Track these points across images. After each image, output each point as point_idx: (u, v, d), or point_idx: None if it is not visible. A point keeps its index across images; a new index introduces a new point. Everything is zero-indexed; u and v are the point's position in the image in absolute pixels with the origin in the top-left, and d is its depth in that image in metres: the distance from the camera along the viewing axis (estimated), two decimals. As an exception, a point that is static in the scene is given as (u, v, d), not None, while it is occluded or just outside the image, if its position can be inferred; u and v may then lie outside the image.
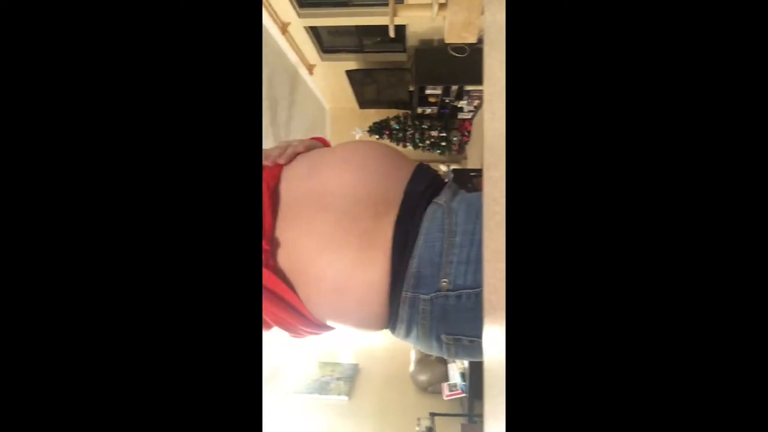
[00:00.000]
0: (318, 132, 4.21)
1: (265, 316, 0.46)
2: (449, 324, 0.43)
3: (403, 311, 0.44)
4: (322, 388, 2.85)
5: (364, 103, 3.85)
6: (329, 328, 0.50)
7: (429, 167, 0.51)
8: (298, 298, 0.45)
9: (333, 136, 4.55)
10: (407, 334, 0.46)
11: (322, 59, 3.27)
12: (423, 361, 2.96)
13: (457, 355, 0.45)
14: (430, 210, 0.45)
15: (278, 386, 2.88)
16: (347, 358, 3.38)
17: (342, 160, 0.48)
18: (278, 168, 0.50)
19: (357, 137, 4.04)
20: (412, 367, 2.97)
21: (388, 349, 3.39)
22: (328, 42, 3.15)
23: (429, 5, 2.24)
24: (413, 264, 0.43)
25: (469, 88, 3.15)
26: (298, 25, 2.79)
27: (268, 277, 0.44)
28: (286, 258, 0.45)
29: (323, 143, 0.59)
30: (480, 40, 2.43)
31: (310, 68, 3.43)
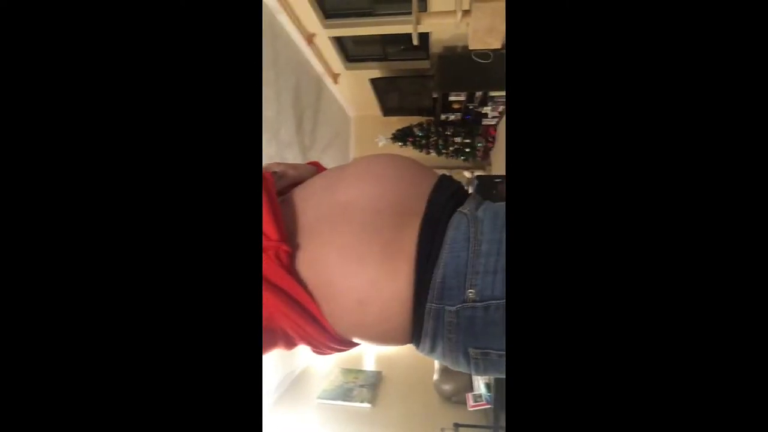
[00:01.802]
0: (342, 140, 4.26)
1: (289, 330, 0.45)
2: (477, 337, 0.41)
3: (428, 324, 0.42)
4: (346, 395, 2.85)
5: (387, 110, 3.87)
6: (352, 344, 0.49)
7: (452, 177, 0.51)
8: (320, 310, 0.45)
9: (357, 143, 4.59)
10: (432, 348, 0.44)
11: (347, 68, 3.32)
12: (447, 370, 2.91)
13: (486, 371, 0.43)
14: (455, 219, 0.44)
15: (301, 392, 2.90)
16: (370, 366, 3.37)
17: (362, 173, 0.48)
18: (295, 183, 0.51)
19: (380, 144, 4.06)
20: (435, 376, 2.93)
21: (411, 357, 3.36)
22: (352, 51, 3.20)
23: (452, 12, 2.24)
24: (438, 274, 0.42)
25: (493, 94, 3.11)
26: (324, 36, 2.85)
27: (290, 284, 0.44)
28: (307, 269, 0.44)
29: (318, 168, 0.60)
30: (504, 46, 2.40)
31: (335, 77, 3.48)
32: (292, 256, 0.44)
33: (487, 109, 3.36)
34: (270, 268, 0.43)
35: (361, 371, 3.24)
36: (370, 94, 3.67)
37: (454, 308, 0.41)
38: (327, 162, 3.73)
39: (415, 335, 0.44)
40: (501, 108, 3.34)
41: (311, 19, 2.64)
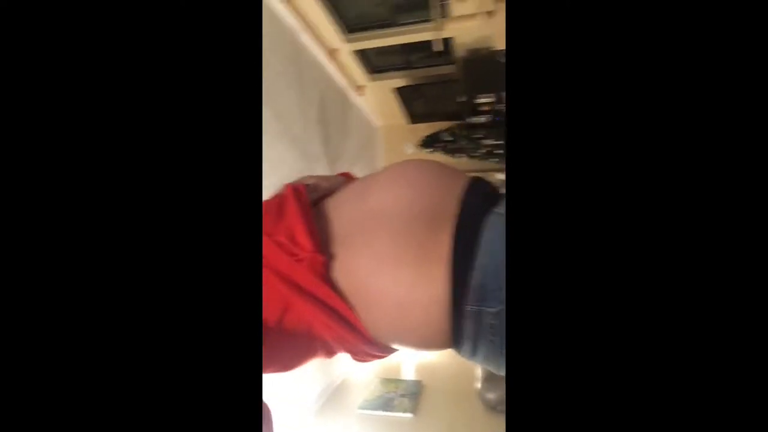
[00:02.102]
0: (370, 150, 4.30)
1: (328, 338, 0.46)
2: None
3: (468, 327, 0.42)
4: (386, 405, 2.83)
5: (414, 117, 3.88)
6: (392, 350, 0.49)
7: (483, 179, 0.50)
8: (357, 317, 0.45)
9: (386, 153, 4.61)
10: (474, 352, 0.44)
11: (371, 79, 3.36)
12: (491, 378, 2.83)
13: None
14: (491, 220, 0.43)
15: (342, 403, 2.91)
16: (410, 375, 3.34)
17: (392, 179, 0.49)
18: (326, 194, 0.52)
19: (409, 152, 4.06)
20: (479, 385, 2.86)
21: (452, 366, 3.30)
22: (375, 62, 3.24)
23: (474, 15, 2.22)
24: (476, 276, 0.41)
25: (521, 92, 3.05)
26: (346, 50, 2.90)
27: (326, 293, 0.44)
28: (344, 277, 0.45)
29: (348, 178, 0.60)
30: (530, 43, 2.36)
31: (360, 89, 3.53)
32: (326, 265, 0.45)
33: (515, 109, 3.29)
34: (306, 277, 0.44)
35: (401, 381, 3.22)
36: (396, 103, 3.69)
37: (494, 310, 0.41)
38: (356, 173, 3.75)
39: (455, 339, 0.44)
40: (530, 106, 3.26)
41: (330, 33, 2.70)
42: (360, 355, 0.49)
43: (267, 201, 0.55)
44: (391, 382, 3.22)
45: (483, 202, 0.45)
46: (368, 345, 0.46)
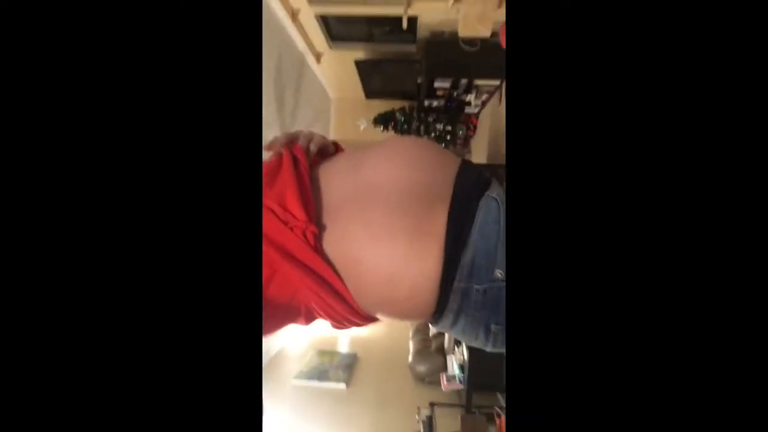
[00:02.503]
0: (323, 121, 4.19)
1: (314, 304, 0.46)
2: (500, 314, 0.44)
3: (454, 301, 0.44)
4: (321, 376, 2.88)
5: (370, 93, 3.83)
6: (374, 319, 0.50)
7: (472, 163, 0.52)
8: (345, 287, 0.45)
9: (337, 125, 4.52)
10: (453, 323, 0.46)
11: (331, 48, 3.25)
12: (422, 351, 2.99)
13: (503, 344, 0.45)
14: (484, 202, 0.45)
15: (277, 373, 2.91)
16: (345, 348, 3.42)
17: (387, 155, 0.49)
18: (315, 161, 0.51)
19: (362, 128, 4.02)
20: (410, 358, 3.01)
21: (386, 339, 3.43)
22: (336, 30, 3.12)
23: (444, -3, 2.23)
24: (467, 254, 0.43)
25: (478, 82, 3.13)
26: (308, 12, 2.76)
27: (317, 263, 0.44)
28: (334, 247, 0.45)
29: (339, 147, 0.60)
30: (494, 34, 2.42)
31: (318, 56, 3.40)
32: (318, 235, 0.44)
33: (470, 98, 3.38)
34: (297, 246, 0.44)
35: (336, 353, 3.28)
36: (352, 76, 3.61)
37: (482, 287, 0.43)
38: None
39: (437, 311, 0.46)
40: (484, 97, 3.38)
41: (297, -7, 2.56)
42: (342, 323, 0.50)
43: (267, 162, 0.52)
44: (326, 353, 3.27)
45: (475, 185, 0.47)
46: (353, 314, 0.47)
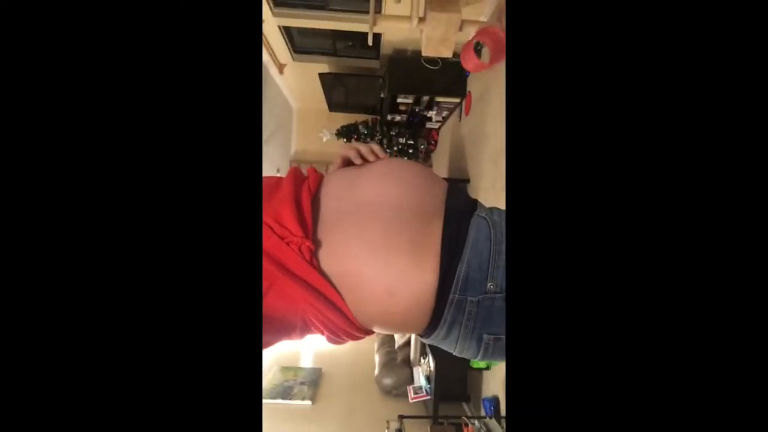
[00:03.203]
0: (285, 130, 4.13)
1: (312, 317, 0.47)
2: (493, 324, 0.47)
3: (449, 313, 0.47)
4: (285, 393, 2.81)
5: (333, 105, 3.84)
6: (370, 332, 0.52)
7: (457, 184, 0.55)
8: (343, 301, 0.47)
9: (300, 136, 4.48)
10: (447, 335, 0.49)
11: (294, 59, 3.23)
12: (388, 364, 3.00)
13: (494, 354, 0.48)
14: (475, 222, 0.49)
15: (239, 392, 2.79)
16: (309, 363, 3.35)
17: (383, 174, 0.51)
18: (320, 175, 0.52)
19: (324, 139, 4.02)
20: (376, 371, 3.00)
21: (350, 354, 3.40)
22: (300, 43, 3.12)
23: (408, 18, 2.30)
24: (462, 269, 0.46)
25: (439, 99, 3.24)
26: (272, 23, 2.74)
27: (314, 277, 0.45)
28: (331, 261, 0.46)
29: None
30: (455, 55, 2.52)
31: (281, 67, 3.37)
32: (314, 251, 0.46)
33: (432, 113, 3.49)
34: (293, 260, 0.45)
35: (300, 368, 3.21)
36: (316, 88, 3.61)
37: (476, 299, 0.46)
38: (270, 152, 3.57)
39: (432, 323, 0.48)
40: (445, 113, 3.49)
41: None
42: (338, 336, 0.50)
43: (267, 178, 0.53)
44: (290, 370, 3.19)
45: (465, 204, 0.51)
46: (350, 326, 0.48)
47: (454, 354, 0.53)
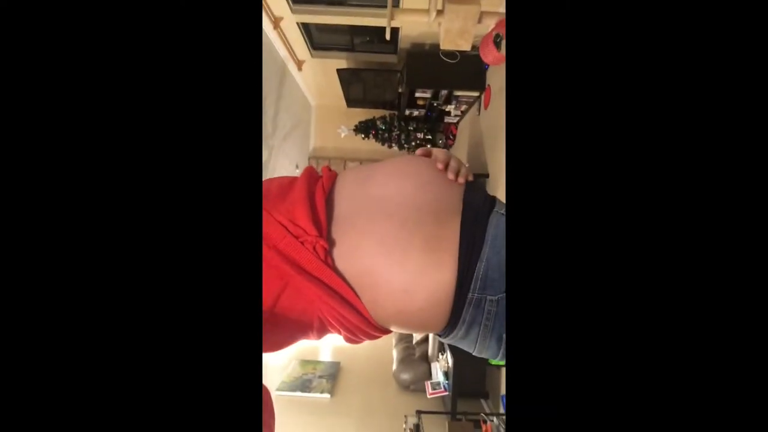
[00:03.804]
0: (303, 127, 4.17)
1: (329, 317, 0.47)
2: None
3: (467, 312, 0.46)
4: (304, 387, 2.85)
5: (351, 101, 3.85)
6: (387, 331, 0.51)
7: (477, 182, 0.54)
8: (359, 299, 0.47)
9: (318, 132, 4.51)
10: (466, 335, 0.48)
11: (312, 56, 3.25)
12: (406, 360, 3.00)
13: None
14: (494, 219, 0.48)
15: (259, 384, 2.85)
16: (328, 357, 3.39)
17: (398, 171, 0.51)
18: (335, 174, 0.52)
19: (343, 135, 4.03)
20: (394, 366, 3.01)
21: (368, 348, 3.42)
22: (318, 39, 3.13)
23: (426, 11, 2.27)
24: (481, 267, 0.45)
25: (457, 93, 3.20)
26: (291, 20, 2.76)
27: (329, 276, 0.45)
28: (346, 260, 0.46)
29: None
30: (474, 48, 2.48)
31: (300, 64, 3.40)
32: (329, 250, 0.45)
33: (450, 108, 3.45)
34: (308, 259, 0.45)
35: (319, 362, 3.25)
36: (334, 84, 3.62)
37: (495, 298, 0.45)
38: (289, 149, 3.61)
39: (450, 322, 0.47)
40: (464, 107, 3.45)
41: (278, 2, 2.55)
42: (356, 335, 0.50)
43: (281, 178, 0.54)
44: (309, 363, 3.23)
45: (484, 202, 0.50)
46: (367, 325, 0.48)
47: (473, 354, 0.52)
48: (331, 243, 0.46)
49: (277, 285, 0.44)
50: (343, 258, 0.46)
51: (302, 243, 0.45)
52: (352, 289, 0.46)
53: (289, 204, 0.47)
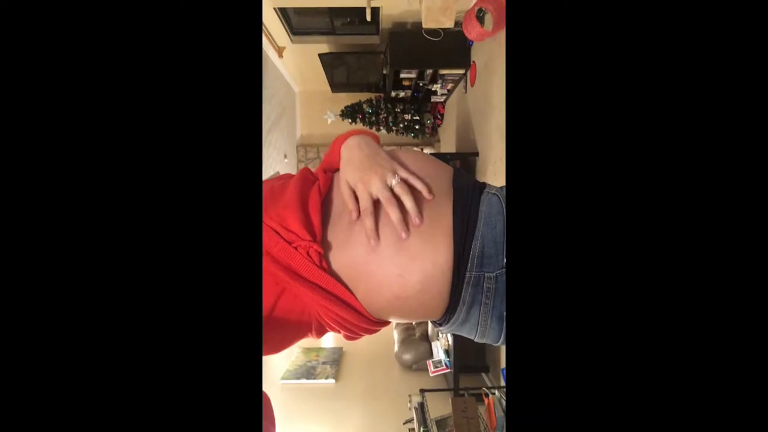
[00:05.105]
0: (289, 115, 4.10)
1: (326, 318, 0.47)
2: None
3: (467, 292, 0.46)
4: (309, 373, 2.89)
5: (336, 86, 3.78)
6: (385, 323, 0.52)
7: (463, 172, 0.54)
8: (355, 297, 0.47)
9: (304, 119, 4.45)
10: (467, 317, 0.48)
11: (293, 41, 3.17)
12: (407, 340, 3.06)
13: None
14: (485, 198, 0.49)
15: (264, 375, 2.89)
16: (330, 342, 3.43)
17: None
18: (331, 177, 0.52)
19: (329, 121, 3.98)
20: (396, 348, 3.07)
21: (369, 331, 3.47)
22: (297, 23, 3.05)
23: (406, -11, 2.22)
24: (476, 245, 0.46)
25: (442, 71, 3.16)
26: (267, 5, 2.68)
27: (324, 279, 0.45)
28: (340, 256, 0.46)
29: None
30: (457, 24, 2.44)
31: (280, 51, 3.32)
32: (322, 254, 0.45)
33: (436, 87, 3.41)
34: (302, 264, 0.45)
35: (321, 349, 3.29)
36: (317, 69, 3.55)
37: (493, 274, 0.46)
38: (276, 139, 3.56)
39: (450, 306, 0.48)
40: (450, 86, 3.41)
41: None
42: (354, 332, 0.51)
43: (272, 181, 0.53)
44: (312, 350, 3.27)
45: (473, 184, 0.51)
46: (364, 321, 0.48)
47: (474, 340, 0.52)
48: (326, 245, 0.46)
49: (275, 290, 0.45)
50: (338, 255, 0.46)
51: (295, 248, 0.45)
52: (348, 287, 0.46)
53: (281, 209, 0.47)
